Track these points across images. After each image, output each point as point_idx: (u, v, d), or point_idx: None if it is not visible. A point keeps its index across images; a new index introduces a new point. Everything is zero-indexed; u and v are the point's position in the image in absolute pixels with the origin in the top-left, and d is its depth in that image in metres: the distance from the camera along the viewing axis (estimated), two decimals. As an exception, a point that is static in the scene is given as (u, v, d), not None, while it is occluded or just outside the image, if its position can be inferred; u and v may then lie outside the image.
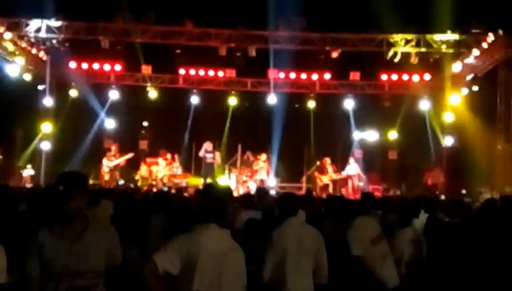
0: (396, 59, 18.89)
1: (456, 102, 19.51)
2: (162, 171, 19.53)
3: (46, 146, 20.79)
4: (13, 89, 19.01)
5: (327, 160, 20.09)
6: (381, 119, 20.95)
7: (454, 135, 19.77)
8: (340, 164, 20.37)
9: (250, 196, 9.60)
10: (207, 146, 19.79)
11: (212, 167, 19.71)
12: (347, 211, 7.32)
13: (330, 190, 19.28)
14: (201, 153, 19.77)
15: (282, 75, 20.52)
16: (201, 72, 21.15)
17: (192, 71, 21.08)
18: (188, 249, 3.92)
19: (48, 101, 20.75)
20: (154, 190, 16.72)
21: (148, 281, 3.84)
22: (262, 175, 19.75)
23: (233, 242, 4.14)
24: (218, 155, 20.02)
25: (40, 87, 20.70)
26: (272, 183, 19.77)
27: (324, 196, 15.86)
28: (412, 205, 8.00)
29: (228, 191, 4.44)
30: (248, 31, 18.84)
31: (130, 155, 19.99)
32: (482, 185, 17.18)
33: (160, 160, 19.74)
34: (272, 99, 20.78)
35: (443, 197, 17.24)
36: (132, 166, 20.34)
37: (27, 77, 19.94)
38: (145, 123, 21.99)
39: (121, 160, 19.84)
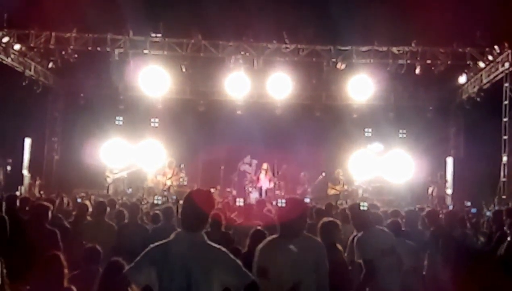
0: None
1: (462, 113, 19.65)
2: (168, 181, 19.62)
3: (55, 155, 21.01)
4: (22, 100, 19.22)
5: (340, 171, 20.29)
6: (386, 131, 20.96)
7: (460, 146, 19.84)
8: (345, 175, 20.50)
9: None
10: (246, 159, 20.09)
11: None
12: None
13: (339, 200, 19.34)
14: (240, 167, 20.05)
15: (288, 86, 20.61)
16: (208, 82, 21.34)
17: (200, 82, 21.28)
18: (157, 258, 4.00)
19: (57, 112, 20.98)
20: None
21: None
22: (266, 184, 19.95)
23: (206, 244, 4.15)
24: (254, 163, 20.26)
25: (49, 97, 20.94)
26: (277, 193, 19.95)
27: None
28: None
29: (204, 195, 4.43)
30: (253, 43, 18.99)
31: (135, 168, 20.10)
32: (487, 197, 17.17)
33: (166, 170, 19.85)
34: (278, 110, 20.88)
35: (450, 207, 17.31)
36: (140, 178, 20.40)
37: (37, 87, 20.15)
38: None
39: (126, 173, 20.00)
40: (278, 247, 5.33)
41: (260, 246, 5.41)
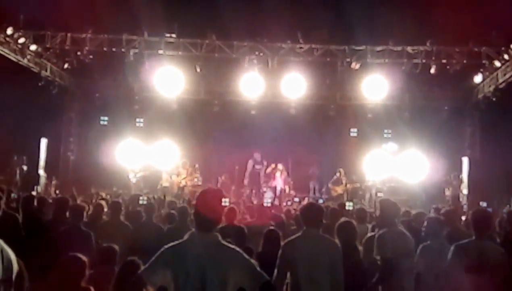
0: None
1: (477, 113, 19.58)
2: (183, 181, 19.70)
3: (71, 155, 21.18)
4: (38, 100, 19.40)
5: (341, 171, 20.25)
6: (401, 130, 20.89)
7: (475, 146, 19.75)
8: (359, 174, 20.47)
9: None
10: (256, 156, 20.06)
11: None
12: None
13: (345, 199, 19.35)
14: (250, 165, 20.03)
15: (302, 86, 20.59)
16: (223, 83, 21.38)
17: (214, 82, 21.33)
18: (172, 259, 4.02)
19: (73, 112, 21.15)
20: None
21: None
22: (280, 185, 19.97)
23: (220, 245, 4.16)
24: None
25: (65, 98, 21.11)
26: (291, 194, 19.98)
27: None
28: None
29: (216, 195, 4.48)
30: (268, 43, 19.00)
31: (156, 169, 20.17)
32: (503, 197, 17.07)
33: (181, 170, 19.92)
34: (293, 110, 20.87)
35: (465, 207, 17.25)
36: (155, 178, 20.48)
37: (53, 88, 20.31)
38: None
39: (146, 173, 20.10)
40: (298, 245, 5.47)
41: (287, 240, 5.71)
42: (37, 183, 18.81)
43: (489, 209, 14.40)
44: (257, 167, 20.28)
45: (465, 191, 19.24)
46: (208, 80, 21.48)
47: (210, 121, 21.69)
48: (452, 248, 6.07)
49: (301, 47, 18.96)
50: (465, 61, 18.52)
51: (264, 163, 20.34)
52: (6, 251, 3.63)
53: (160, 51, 19.05)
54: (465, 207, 17.58)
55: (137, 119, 20.00)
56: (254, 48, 19.19)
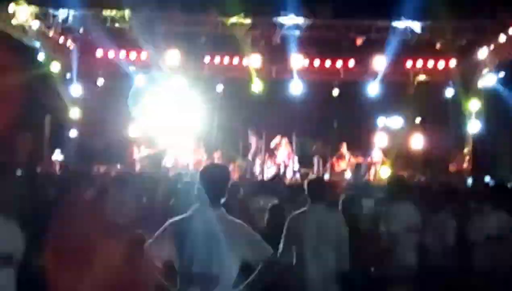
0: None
1: (482, 88, 19.46)
2: (188, 157, 19.71)
3: (74, 133, 21.22)
4: (41, 78, 19.39)
5: (344, 146, 20.21)
6: (405, 106, 20.85)
7: (480, 122, 19.66)
8: (363, 150, 20.46)
9: (265, 182, 9.81)
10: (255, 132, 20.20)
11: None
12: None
13: (347, 175, 19.38)
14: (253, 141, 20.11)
15: (306, 62, 20.50)
16: (226, 60, 21.27)
17: (217, 59, 21.22)
18: (177, 233, 4.04)
19: (75, 89, 21.13)
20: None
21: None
22: (284, 160, 19.93)
23: (226, 219, 4.17)
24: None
25: (67, 75, 21.06)
26: (295, 168, 19.94)
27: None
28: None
29: (221, 170, 4.45)
30: (272, 19, 18.87)
31: (161, 148, 20.16)
32: (506, 172, 17.08)
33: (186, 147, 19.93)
34: (296, 86, 20.81)
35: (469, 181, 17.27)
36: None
37: (55, 65, 20.28)
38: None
39: (152, 151, 20.10)
40: (303, 219, 5.50)
41: (291, 215, 5.74)
42: (42, 159, 18.86)
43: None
44: (259, 142, 20.21)
45: (468, 166, 19.23)
46: (211, 56, 21.35)
47: (214, 97, 21.61)
48: None
49: (304, 23, 18.81)
50: (470, 36, 18.39)
51: (263, 137, 20.18)
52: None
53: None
54: (469, 181, 17.58)
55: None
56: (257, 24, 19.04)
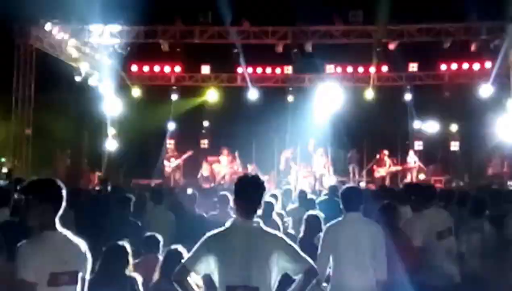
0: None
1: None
2: (223, 169, 19.82)
3: (112, 148, 21.49)
4: (79, 94, 19.76)
5: (385, 153, 20.04)
6: (441, 110, 20.62)
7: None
8: (399, 156, 20.29)
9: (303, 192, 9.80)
10: (286, 153, 20.03)
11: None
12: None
13: (387, 182, 19.19)
14: (282, 165, 20.01)
15: (339, 69, 20.47)
16: (259, 70, 21.34)
17: (250, 70, 21.34)
18: (216, 247, 4.02)
19: (112, 105, 21.42)
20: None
21: (181, 287, 4.04)
22: (320, 169, 19.81)
23: (264, 231, 4.13)
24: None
25: (104, 91, 21.40)
26: (332, 178, 19.80)
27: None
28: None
29: (256, 181, 4.30)
30: (303, 27, 18.90)
31: (188, 154, 20.27)
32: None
33: (222, 158, 20.04)
34: (328, 92, 20.73)
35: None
36: (195, 166, 20.65)
37: (92, 81, 20.64)
38: (205, 123, 22.32)
39: (181, 160, 20.25)
40: (340, 229, 5.48)
41: (328, 225, 5.71)
42: (81, 177, 19.14)
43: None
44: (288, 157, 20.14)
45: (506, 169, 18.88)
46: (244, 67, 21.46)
47: (248, 108, 21.70)
48: None
49: (337, 30, 18.80)
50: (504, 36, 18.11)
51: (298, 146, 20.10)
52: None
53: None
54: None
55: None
56: (288, 33, 19.09)
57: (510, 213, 7.23)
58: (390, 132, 20.76)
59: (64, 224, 3.80)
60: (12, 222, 5.47)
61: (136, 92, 21.99)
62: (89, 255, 3.85)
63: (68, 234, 3.77)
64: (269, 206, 7.64)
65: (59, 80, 18.52)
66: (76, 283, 3.74)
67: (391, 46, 19.00)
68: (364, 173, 20.60)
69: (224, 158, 20.05)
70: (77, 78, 19.69)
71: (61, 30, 17.89)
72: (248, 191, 4.19)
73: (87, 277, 3.87)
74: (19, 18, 16.87)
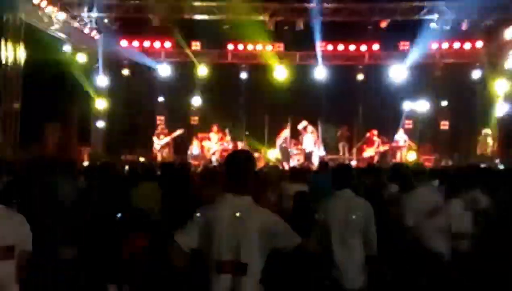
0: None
1: (510, 69, 19.17)
2: (213, 146, 19.80)
3: (101, 124, 21.41)
4: (68, 69, 19.61)
5: (374, 132, 20.09)
6: (432, 89, 20.64)
7: (507, 104, 19.38)
8: (389, 135, 20.33)
9: (297, 169, 9.77)
10: (285, 133, 20.02)
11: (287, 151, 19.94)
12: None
13: (376, 161, 19.27)
14: (279, 142, 20.00)
15: (330, 47, 20.41)
16: (250, 47, 21.24)
17: (241, 46, 21.20)
18: (206, 222, 4.02)
19: (101, 80, 21.29)
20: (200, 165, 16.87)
21: (174, 261, 4.05)
22: (310, 146, 19.84)
23: (254, 207, 4.12)
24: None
25: (93, 65, 21.26)
26: (321, 155, 19.86)
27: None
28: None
29: (246, 157, 4.34)
30: (295, 4, 18.79)
31: (179, 132, 20.22)
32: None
33: (212, 135, 20.00)
34: (320, 72, 20.73)
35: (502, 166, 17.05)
36: (184, 143, 20.61)
37: (81, 56, 20.49)
38: (195, 99, 22.23)
39: (170, 138, 20.19)
40: (329, 206, 5.59)
41: (319, 201, 5.76)
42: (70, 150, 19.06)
43: None
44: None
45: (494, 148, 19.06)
46: (235, 44, 21.36)
47: (238, 85, 21.63)
48: None
49: (328, 8, 18.72)
50: (496, 16, 18.11)
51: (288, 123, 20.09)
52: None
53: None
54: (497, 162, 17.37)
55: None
56: (280, 10, 18.98)
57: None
58: (380, 112, 20.79)
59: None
60: None
61: (126, 68, 21.87)
62: (28, 230, 3.81)
63: (3, 209, 3.72)
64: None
65: (48, 54, 18.31)
66: (13, 258, 3.69)
67: (383, 25, 18.93)
68: (354, 151, 20.66)
69: (214, 135, 20.02)
70: (66, 53, 19.52)
71: (50, 4, 17.69)
72: (239, 167, 4.19)
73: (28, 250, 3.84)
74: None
